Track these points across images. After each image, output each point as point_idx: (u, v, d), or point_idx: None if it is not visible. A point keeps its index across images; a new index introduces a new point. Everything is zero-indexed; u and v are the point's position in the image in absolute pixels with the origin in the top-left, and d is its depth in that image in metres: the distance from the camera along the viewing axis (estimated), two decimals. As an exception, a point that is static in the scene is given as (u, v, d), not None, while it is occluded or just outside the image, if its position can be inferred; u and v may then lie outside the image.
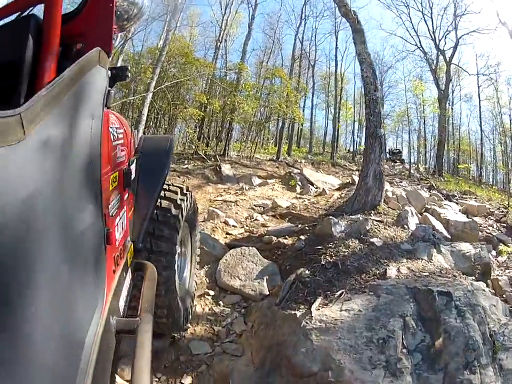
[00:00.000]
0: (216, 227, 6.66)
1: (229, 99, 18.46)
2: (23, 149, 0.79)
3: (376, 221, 6.20)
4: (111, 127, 1.95)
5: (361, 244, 5.24)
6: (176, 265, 3.31)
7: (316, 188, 12.02)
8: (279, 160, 20.55)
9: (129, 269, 2.25)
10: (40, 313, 0.86)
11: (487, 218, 8.37)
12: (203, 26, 31.65)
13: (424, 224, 6.35)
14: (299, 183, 12.26)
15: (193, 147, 18.51)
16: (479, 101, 33.83)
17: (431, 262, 4.91)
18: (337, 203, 8.52)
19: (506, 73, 34.27)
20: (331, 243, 5.29)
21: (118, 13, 1.82)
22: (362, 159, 7.75)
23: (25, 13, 1.68)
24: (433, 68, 28.88)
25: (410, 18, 29.85)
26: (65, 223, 1.09)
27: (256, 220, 7.84)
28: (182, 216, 3.34)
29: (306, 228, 6.73)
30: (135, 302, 2.13)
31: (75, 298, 1.15)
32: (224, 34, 26.42)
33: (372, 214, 6.71)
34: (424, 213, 7.31)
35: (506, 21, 17.92)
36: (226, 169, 13.72)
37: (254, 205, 8.98)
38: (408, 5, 29.27)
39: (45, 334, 0.90)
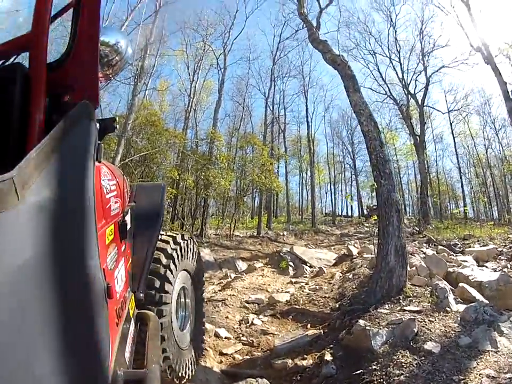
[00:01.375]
0: (205, 347, 5.02)
1: (203, 173, 17.11)
2: (18, 213, 0.78)
3: (414, 312, 4.86)
4: (103, 180, 1.94)
5: (415, 357, 3.78)
6: (172, 315, 3.28)
7: (311, 267, 10.53)
8: (261, 235, 19.19)
9: (132, 320, 2.24)
10: (48, 373, 0.89)
11: (497, 260, 7.82)
12: (172, 96, 31.28)
13: (464, 302, 5.19)
14: (291, 263, 10.76)
15: (168, 229, 16.58)
16: (453, 137, 34.62)
17: (498, 351, 3.75)
18: (346, 288, 7.04)
19: (476, 103, 34.55)
20: (374, 362, 3.86)
21: (103, 61, 1.84)
22: (376, 233, 6.37)
23: (10, 61, 1.64)
24: (405, 114, 28.63)
25: (377, 67, 30.27)
26: (65, 282, 1.07)
27: (253, 324, 6.13)
28: (175, 265, 3.38)
29: (324, 333, 5.27)
30: (141, 352, 2.15)
31: (81, 354, 1.16)
32: (193, 103, 25.82)
33: (401, 301, 5.36)
34: (460, 284, 5.88)
35: (480, 45, 17.58)
36: (206, 254, 11.77)
37: (246, 302, 7.29)
38: (375, 53, 29.85)
39: None
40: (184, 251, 3.70)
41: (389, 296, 5.54)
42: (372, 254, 9.94)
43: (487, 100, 35.35)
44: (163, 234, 3.56)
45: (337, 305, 6.36)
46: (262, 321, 6.29)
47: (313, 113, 37.16)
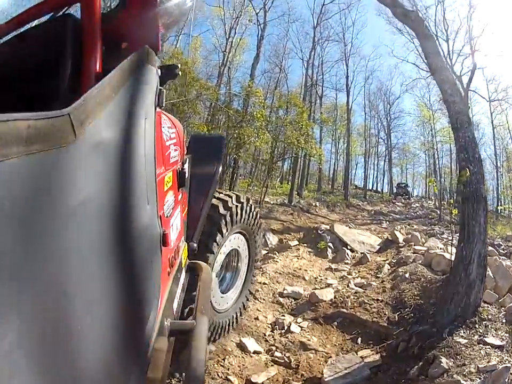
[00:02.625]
0: (225, 362, 3.74)
1: (236, 131, 15.50)
2: (75, 151, 0.77)
3: (495, 347, 3.71)
4: (163, 127, 1.95)
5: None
6: (213, 276, 3.20)
7: (352, 252, 9.20)
8: (292, 204, 17.83)
9: (183, 270, 2.27)
10: (98, 313, 0.90)
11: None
12: (205, 52, 29.75)
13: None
14: (330, 244, 9.48)
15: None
16: (493, 128, 33.10)
17: None
18: (404, 292, 5.74)
19: None
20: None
21: (162, 10, 1.69)
22: (458, 233, 4.95)
23: (60, 13, 1.68)
24: None
25: None
26: (121, 225, 1.09)
27: (289, 331, 4.85)
28: (227, 227, 3.35)
29: (384, 361, 4.13)
30: (190, 303, 2.38)
31: (130, 300, 1.16)
32: (228, 60, 24.29)
33: (476, 325, 4.18)
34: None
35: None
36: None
37: (281, 295, 6.02)
38: None
39: (102, 335, 0.92)
40: (240, 214, 3.62)
41: (464, 317, 4.34)
42: (421, 244, 8.82)
43: None
44: (221, 193, 3.56)
45: (396, 317, 5.07)
46: (301, 328, 5.03)
47: (351, 83, 35.14)
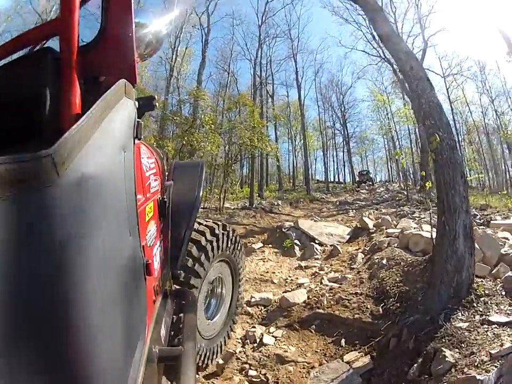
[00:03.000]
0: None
1: (186, 138, 14.91)
2: (57, 190, 0.80)
3: (503, 324, 3.22)
4: (142, 158, 1.99)
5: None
6: (201, 301, 3.30)
7: (321, 246, 8.62)
8: (254, 206, 17.20)
9: (169, 298, 2.29)
10: (86, 344, 0.91)
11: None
12: (152, 66, 29.12)
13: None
14: (297, 241, 8.85)
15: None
16: (450, 103, 33.52)
17: None
18: (384, 281, 5.18)
19: (471, 70, 33.75)
20: None
21: (139, 41, 1.76)
22: (436, 206, 4.44)
23: (38, 47, 1.74)
24: (400, 77, 27.70)
25: (371, 29, 28.77)
26: (105, 258, 1.10)
27: (262, 344, 4.18)
28: (209, 258, 3.34)
29: (375, 362, 3.59)
30: (177, 330, 2.27)
31: (118, 330, 1.18)
32: (175, 69, 23.62)
33: (475, 304, 3.70)
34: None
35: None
36: (192, 232, 9.97)
37: (248, 304, 5.30)
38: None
39: (90, 365, 0.93)
40: (223, 242, 3.65)
41: (459, 297, 3.85)
42: (393, 227, 8.34)
43: (482, 68, 34.65)
44: (201, 224, 3.57)
45: (379, 309, 4.49)
46: (275, 338, 4.36)
47: (302, 78, 35.26)
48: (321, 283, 5.99)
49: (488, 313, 3.45)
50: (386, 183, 40.39)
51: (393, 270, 5.36)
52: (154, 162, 2.42)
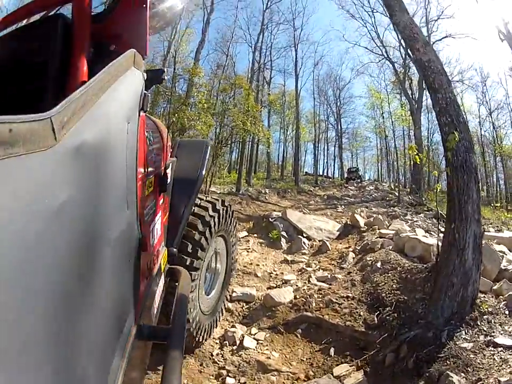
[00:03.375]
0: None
1: (177, 115, 14.22)
2: (55, 155, 0.76)
3: (509, 348, 2.99)
4: (147, 131, 1.93)
5: None
6: (201, 280, 3.34)
7: (309, 240, 8.19)
8: (240, 193, 16.72)
9: (163, 275, 2.26)
10: (75, 314, 0.89)
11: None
12: (150, 43, 28.29)
13: None
14: (283, 233, 8.42)
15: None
16: None
17: None
18: (379, 286, 4.80)
19: (473, 81, 33.73)
20: None
21: (152, 13, 1.77)
22: (447, 213, 4.00)
23: (52, 13, 1.72)
24: (401, 77, 28.37)
25: (376, 27, 29.54)
26: (99, 229, 1.08)
27: (243, 347, 3.74)
28: (211, 232, 3.40)
29: (375, 379, 3.23)
30: (168, 308, 2.20)
31: (108, 304, 1.16)
32: (173, 49, 22.91)
33: (478, 322, 3.42)
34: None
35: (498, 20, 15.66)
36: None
37: (229, 299, 4.84)
38: (373, 11, 28.96)
39: (79, 335, 0.92)
40: (222, 218, 3.68)
41: (462, 313, 3.55)
42: (386, 228, 8.16)
43: (484, 79, 34.68)
44: (202, 199, 3.55)
45: (374, 318, 4.09)
46: (257, 341, 3.92)
47: (300, 69, 34.62)
48: (309, 281, 5.57)
49: (492, 334, 3.22)
50: (376, 182, 40.26)
51: (389, 275, 5.00)
52: (159, 137, 2.38)
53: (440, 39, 27.41)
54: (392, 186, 29.11)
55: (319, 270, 6.25)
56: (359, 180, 37.90)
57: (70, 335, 0.87)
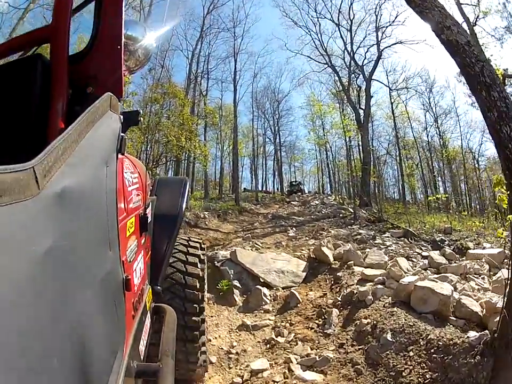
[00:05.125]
0: None
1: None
2: (38, 203, 0.76)
3: None
4: (125, 173, 1.96)
5: None
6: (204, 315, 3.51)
7: (271, 289, 6.21)
8: (176, 218, 14.41)
9: (148, 313, 2.27)
10: (64, 356, 0.88)
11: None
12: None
13: None
14: (236, 283, 6.28)
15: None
16: (394, 118, 33.79)
17: None
18: (389, 366, 3.42)
19: (419, 89, 34.37)
20: None
21: (127, 54, 1.83)
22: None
23: (30, 52, 1.74)
24: (346, 86, 28.43)
25: (320, 35, 29.72)
26: (84, 272, 1.09)
27: None
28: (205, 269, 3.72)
29: None
30: (156, 345, 2.17)
31: (96, 344, 1.15)
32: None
33: None
34: None
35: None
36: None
37: None
38: (318, 19, 29.34)
39: (68, 377, 0.91)
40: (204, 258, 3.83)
41: None
42: (362, 261, 6.72)
43: (430, 86, 35.81)
44: (189, 240, 3.68)
45: None
46: None
47: (238, 81, 33.17)
48: (290, 371, 3.70)
49: None
50: (317, 194, 39.70)
51: (411, 354, 3.49)
52: (138, 177, 2.33)
53: (391, 45, 28.27)
54: (340, 200, 28.03)
55: (295, 342, 4.40)
56: (300, 193, 37.99)
57: (58, 378, 0.83)
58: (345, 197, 31.95)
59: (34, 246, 0.74)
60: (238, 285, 6.26)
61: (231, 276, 6.42)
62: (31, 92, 1.44)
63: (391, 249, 8.02)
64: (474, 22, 17.77)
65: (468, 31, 15.99)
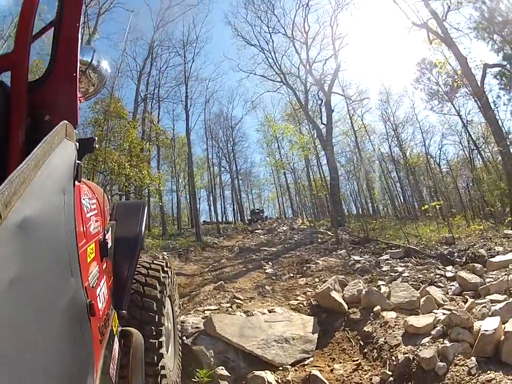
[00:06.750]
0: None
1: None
2: (1, 233, 0.78)
3: None
4: (83, 199, 1.94)
5: None
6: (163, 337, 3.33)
7: (277, 371, 3.94)
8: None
9: (116, 337, 2.22)
10: None
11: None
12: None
13: None
14: (221, 369, 3.92)
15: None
16: (354, 131, 34.84)
17: None
18: None
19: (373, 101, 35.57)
20: None
21: (82, 80, 1.86)
22: None
23: None
24: (303, 103, 28.18)
25: (274, 53, 29.42)
26: (48, 301, 1.08)
27: None
28: (165, 292, 3.50)
29: None
30: (125, 370, 2.18)
31: (65, 373, 1.16)
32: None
33: None
34: None
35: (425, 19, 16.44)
36: None
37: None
38: (271, 35, 29.37)
39: None
40: (170, 278, 3.78)
41: None
42: (388, 307, 4.89)
43: (387, 96, 36.96)
44: (152, 263, 3.61)
45: None
46: None
47: (189, 109, 30.94)
48: None
49: None
50: (279, 220, 38.43)
51: None
52: (96, 203, 2.30)
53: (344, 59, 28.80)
54: (308, 223, 26.47)
55: None
56: (260, 221, 37.72)
57: None
58: (311, 218, 31.07)
59: None
60: (225, 372, 3.93)
61: (211, 359, 4.12)
62: None
63: (407, 276, 6.46)
64: (444, 16, 16.81)
65: (438, 27, 15.07)
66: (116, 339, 2.21)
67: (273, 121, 33.35)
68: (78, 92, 1.66)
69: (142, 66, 28.96)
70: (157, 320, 3.12)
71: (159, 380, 3.08)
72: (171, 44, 32.13)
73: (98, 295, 1.91)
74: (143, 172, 12.79)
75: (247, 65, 40.54)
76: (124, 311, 2.56)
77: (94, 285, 1.83)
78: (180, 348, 4.18)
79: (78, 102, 1.68)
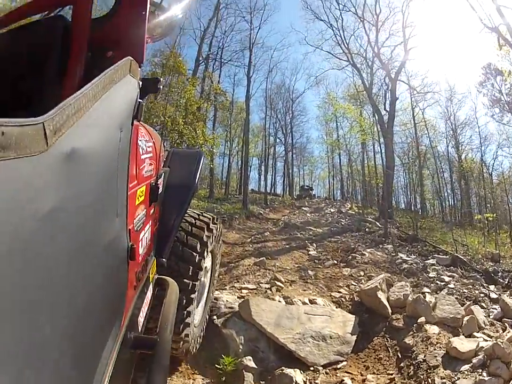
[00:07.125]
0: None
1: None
2: (45, 160, 0.74)
3: None
4: (140, 140, 1.96)
5: None
6: (197, 292, 3.31)
7: (307, 371, 3.70)
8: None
9: (151, 285, 2.24)
10: (59, 325, 0.86)
11: None
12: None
13: None
14: (248, 359, 3.62)
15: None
16: (414, 123, 31.94)
17: None
18: None
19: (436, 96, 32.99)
20: None
21: (152, 23, 1.79)
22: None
23: (52, 14, 1.78)
24: (368, 86, 27.07)
25: (342, 32, 27.92)
26: (88, 236, 1.07)
27: None
28: (207, 247, 3.43)
29: None
30: (155, 318, 2.13)
31: (94, 312, 1.14)
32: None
33: None
34: None
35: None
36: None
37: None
38: (342, 13, 27.63)
39: (62, 346, 0.89)
40: (216, 235, 3.76)
41: None
42: (432, 319, 4.53)
43: (450, 94, 34.73)
44: (200, 215, 3.61)
45: None
46: None
47: (252, 76, 30.75)
48: None
49: None
50: (327, 200, 37.64)
51: None
52: (152, 146, 2.30)
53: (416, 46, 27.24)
54: (357, 209, 25.66)
55: None
56: (309, 198, 36.92)
57: (54, 341, 0.83)
58: (360, 205, 30.20)
59: (39, 204, 0.72)
60: (252, 363, 3.66)
61: (240, 346, 3.90)
62: (50, 51, 1.42)
63: (453, 288, 6.12)
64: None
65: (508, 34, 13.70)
66: (151, 287, 2.23)
67: (335, 100, 32.32)
68: (146, 31, 1.60)
69: (207, 26, 28.25)
70: (193, 274, 3.07)
71: (182, 336, 3.07)
72: (238, 8, 31.32)
73: (141, 239, 1.91)
74: (198, 131, 12.52)
75: (314, 39, 38.84)
76: (164, 259, 2.54)
77: (139, 229, 1.82)
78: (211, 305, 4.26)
79: (145, 41, 1.62)
